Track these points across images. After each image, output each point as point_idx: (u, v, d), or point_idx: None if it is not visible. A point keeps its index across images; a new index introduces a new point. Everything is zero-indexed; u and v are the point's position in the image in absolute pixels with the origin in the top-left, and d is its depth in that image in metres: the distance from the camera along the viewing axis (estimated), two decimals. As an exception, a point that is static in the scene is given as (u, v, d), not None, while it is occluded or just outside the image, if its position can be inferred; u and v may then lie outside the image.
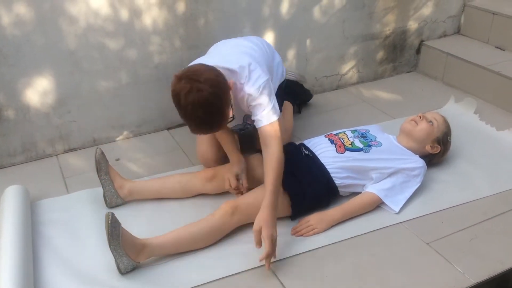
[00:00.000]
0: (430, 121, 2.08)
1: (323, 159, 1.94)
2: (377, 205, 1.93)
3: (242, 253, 1.75)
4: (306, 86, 2.74)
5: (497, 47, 2.98)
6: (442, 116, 2.14)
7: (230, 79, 1.76)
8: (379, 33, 2.94)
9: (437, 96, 2.84)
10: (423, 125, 2.07)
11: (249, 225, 1.83)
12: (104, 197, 1.97)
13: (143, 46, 2.35)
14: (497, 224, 1.86)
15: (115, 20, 2.24)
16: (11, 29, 2.06)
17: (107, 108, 2.39)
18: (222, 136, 2.03)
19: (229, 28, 2.49)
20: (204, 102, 1.60)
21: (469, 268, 1.66)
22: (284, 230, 1.84)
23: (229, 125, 1.98)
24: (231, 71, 1.79)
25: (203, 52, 2.46)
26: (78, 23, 2.17)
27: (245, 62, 1.82)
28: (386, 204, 1.92)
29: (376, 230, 1.85)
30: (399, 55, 3.09)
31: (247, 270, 1.69)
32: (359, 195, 1.94)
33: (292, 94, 2.50)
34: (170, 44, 2.40)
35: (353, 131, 2.08)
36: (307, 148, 2.01)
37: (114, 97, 2.38)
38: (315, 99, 2.84)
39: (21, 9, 2.04)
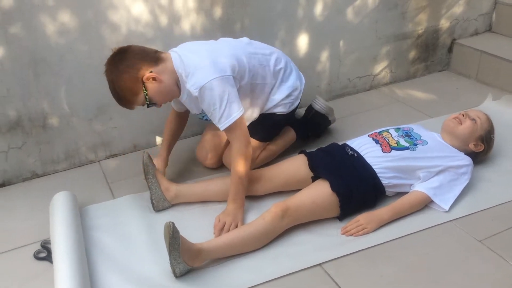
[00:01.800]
0: (473, 119, 2.06)
1: (369, 159, 1.94)
2: (426, 204, 1.92)
3: (293, 253, 1.76)
4: (330, 118, 2.50)
5: (532, 43, 2.95)
6: (485, 114, 2.12)
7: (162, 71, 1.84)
8: (411, 32, 2.93)
9: (472, 94, 2.82)
10: (466, 123, 2.05)
11: (297, 226, 1.84)
12: (151, 200, 1.99)
13: (181, 52, 2.37)
14: (549, 221, 1.84)
15: (155, 26, 2.27)
16: (56, 38, 2.10)
17: (146, 113, 2.41)
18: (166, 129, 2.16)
19: (265, 32, 2.50)
20: (109, 81, 1.82)
21: (525, 265, 1.65)
22: (333, 231, 1.85)
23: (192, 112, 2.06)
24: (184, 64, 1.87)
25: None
26: (119, 30, 2.20)
27: (201, 59, 1.87)
28: (434, 203, 1.91)
29: (426, 229, 1.83)
30: (431, 54, 3.08)
31: (300, 270, 1.69)
32: (407, 194, 1.93)
33: (310, 125, 2.41)
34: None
35: (397, 130, 2.07)
36: (352, 149, 2.01)
37: (154, 102, 2.41)
38: (350, 100, 2.84)
39: (65, 18, 2.08)
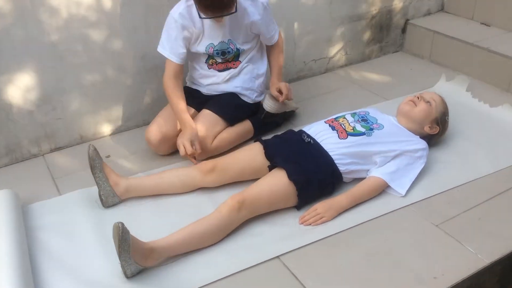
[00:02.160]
0: (428, 102, 2.05)
1: (326, 146, 1.90)
2: (383, 189, 1.90)
3: (250, 246, 1.70)
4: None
5: (483, 23, 2.98)
6: (440, 96, 2.12)
7: None
8: (365, 13, 2.90)
9: (426, 75, 2.83)
10: (421, 106, 2.04)
11: (254, 217, 1.78)
12: (100, 196, 1.88)
13: (128, 37, 2.24)
14: (503, 202, 1.86)
15: (98, 9, 2.12)
16: (-12, 24, 1.93)
17: (93, 103, 2.29)
18: (175, 102, 2.07)
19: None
20: None
21: (481, 248, 1.65)
22: (291, 221, 1.80)
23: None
24: None
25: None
26: (59, 14, 2.05)
27: None
28: (391, 188, 1.90)
29: (384, 214, 1.82)
30: (386, 35, 3.06)
31: (257, 264, 1.63)
32: (365, 180, 1.91)
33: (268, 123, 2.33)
34: (156, 33, 2.30)
35: (353, 115, 2.04)
36: (308, 135, 1.96)
37: (100, 91, 2.28)
38: (306, 83, 2.79)
39: (-2, 2, 1.92)
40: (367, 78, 2.86)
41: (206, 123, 2.12)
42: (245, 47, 2.18)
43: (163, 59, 2.30)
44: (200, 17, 1.97)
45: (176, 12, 2.03)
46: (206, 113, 2.17)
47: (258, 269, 1.62)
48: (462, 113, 2.37)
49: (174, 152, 2.17)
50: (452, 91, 2.57)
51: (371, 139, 1.91)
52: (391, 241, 1.71)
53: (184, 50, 2.09)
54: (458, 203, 1.86)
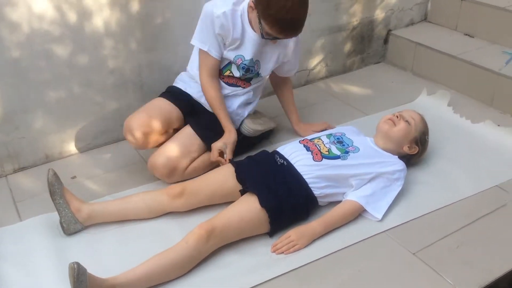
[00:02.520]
0: (407, 121, 1.97)
1: (300, 168, 1.81)
2: (359, 213, 1.82)
3: (219, 279, 1.61)
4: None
5: (466, 34, 2.91)
6: (419, 114, 2.04)
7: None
8: (346, 24, 2.82)
9: (408, 88, 2.75)
10: (400, 125, 1.96)
11: (223, 247, 1.69)
12: (61, 223, 1.78)
13: (95, 51, 2.14)
14: (481, 228, 1.78)
15: (62, 23, 2.02)
16: None
17: (59, 120, 2.19)
18: (218, 107, 2.01)
19: (190, 27, 2.29)
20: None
21: (458, 279, 1.57)
22: (263, 249, 1.72)
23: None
24: None
25: (161, 55, 2.30)
26: (20, 29, 1.94)
27: None
28: (368, 212, 1.82)
29: (360, 241, 1.74)
30: (367, 46, 2.99)
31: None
32: (340, 204, 1.83)
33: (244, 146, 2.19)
34: (125, 47, 2.20)
35: (329, 136, 1.96)
36: (281, 156, 1.88)
37: (66, 108, 2.18)
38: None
39: (-48, 17, 1.81)
40: (347, 90, 2.79)
41: (185, 146, 2.00)
42: (264, 73, 2.11)
43: (133, 74, 2.21)
44: (262, 36, 1.89)
45: (221, 9, 1.91)
46: (188, 133, 2.04)
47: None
48: (443, 130, 2.30)
49: (137, 169, 2.08)
50: (433, 106, 2.50)
51: (346, 162, 1.83)
52: (366, 271, 1.63)
53: (222, 47, 1.98)
54: (437, 228, 1.79)
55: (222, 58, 2.03)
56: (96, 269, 1.49)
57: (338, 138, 1.94)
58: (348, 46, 2.90)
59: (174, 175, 1.98)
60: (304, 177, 1.80)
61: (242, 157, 2.01)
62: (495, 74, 2.48)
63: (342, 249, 1.71)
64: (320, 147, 1.88)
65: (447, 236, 1.75)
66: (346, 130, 2.04)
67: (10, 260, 1.69)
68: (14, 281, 1.61)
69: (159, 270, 1.56)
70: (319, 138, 1.95)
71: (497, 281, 1.58)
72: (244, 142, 2.15)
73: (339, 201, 1.85)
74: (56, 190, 1.75)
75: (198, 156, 2.04)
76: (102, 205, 1.85)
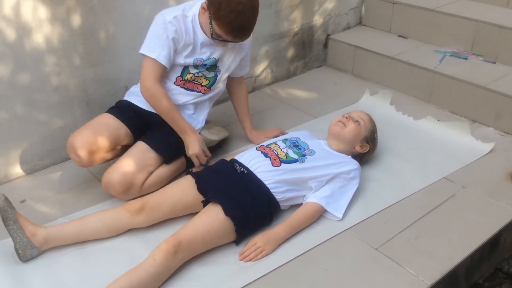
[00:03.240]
0: (357, 121, 2.05)
1: (260, 175, 1.83)
2: (320, 214, 1.87)
3: (188, 284, 1.60)
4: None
5: (400, 36, 3.06)
6: (367, 114, 2.13)
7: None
8: (287, 31, 2.88)
9: (350, 89, 2.85)
10: (350, 126, 2.03)
11: (191, 259, 1.67)
12: (16, 249, 1.69)
13: (37, 68, 2.05)
14: (436, 218, 1.88)
15: (0, 41, 1.92)
16: None
17: (2, 143, 2.07)
18: (170, 108, 1.98)
19: (134, 39, 2.26)
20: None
21: (421, 269, 1.65)
22: (231, 258, 1.71)
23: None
24: None
25: (107, 69, 2.24)
26: (-46, 49, 1.83)
27: None
28: (329, 212, 1.86)
29: (324, 242, 1.78)
30: (308, 51, 3.06)
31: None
32: (302, 207, 1.86)
33: None
34: (68, 62, 2.13)
35: (284, 141, 1.99)
36: (241, 165, 1.89)
37: (9, 129, 2.07)
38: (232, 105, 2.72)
39: None
40: (294, 95, 2.84)
41: (140, 160, 1.95)
42: (225, 75, 2.12)
43: (78, 90, 2.15)
44: (212, 37, 1.91)
45: (172, 15, 1.93)
46: (142, 147, 1.99)
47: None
48: (389, 128, 2.40)
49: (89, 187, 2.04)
50: (377, 105, 2.61)
51: (304, 165, 1.87)
52: (333, 270, 1.67)
53: (172, 55, 1.96)
54: (394, 222, 1.86)
55: (177, 65, 2.01)
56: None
57: (293, 142, 1.98)
58: (291, 52, 2.97)
59: (131, 191, 1.93)
60: (265, 183, 1.81)
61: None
62: (431, 72, 2.63)
63: (308, 250, 1.74)
64: (277, 152, 1.91)
65: (405, 229, 1.83)
66: (300, 134, 2.08)
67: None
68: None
69: None
70: (275, 143, 1.98)
71: (456, 268, 1.67)
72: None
73: (300, 204, 1.89)
74: (9, 216, 1.66)
75: (154, 170, 2.00)
76: (58, 227, 1.77)
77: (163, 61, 1.94)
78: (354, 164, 1.97)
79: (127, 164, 1.93)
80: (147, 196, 1.86)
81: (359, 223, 1.86)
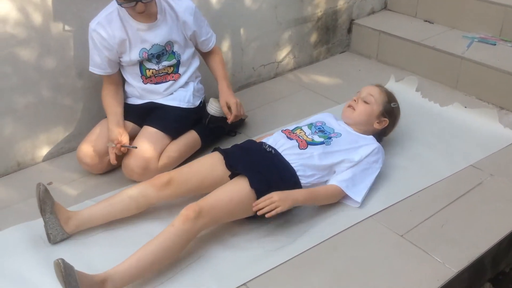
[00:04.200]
0: (365, 101, 1.98)
1: (288, 157, 1.82)
2: (341, 197, 1.84)
3: (215, 274, 1.60)
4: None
5: (426, 20, 3.00)
6: (378, 87, 2.04)
7: None
8: (311, 15, 2.84)
9: (375, 75, 2.81)
10: (360, 108, 1.98)
11: (214, 243, 1.68)
12: (48, 234, 1.71)
13: (62, 54, 2.07)
14: (462, 206, 1.85)
15: (28, 25, 1.94)
16: None
17: (29, 126, 2.10)
18: (107, 104, 2.04)
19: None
20: None
21: (447, 257, 1.63)
22: (254, 243, 1.72)
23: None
24: None
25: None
26: (-18, 33, 1.85)
27: None
28: (348, 197, 1.84)
29: (348, 228, 1.77)
30: (332, 36, 3.03)
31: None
32: (323, 185, 1.85)
33: (214, 129, 2.22)
34: (93, 47, 2.14)
35: (310, 126, 1.97)
36: (269, 146, 1.87)
37: (36, 113, 2.10)
38: (256, 90, 2.71)
39: None
40: (316, 81, 2.82)
41: (151, 143, 1.99)
42: (182, 52, 2.09)
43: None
44: (118, 3, 1.87)
45: (94, 22, 1.95)
46: (149, 131, 2.03)
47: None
48: (414, 115, 2.36)
49: (112, 170, 2.08)
50: (403, 91, 2.55)
51: (330, 148, 1.86)
52: (358, 257, 1.66)
53: (112, 58, 1.98)
54: (420, 210, 1.84)
55: (131, 65, 2.03)
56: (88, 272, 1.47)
57: (319, 128, 1.96)
58: (314, 37, 2.93)
59: (149, 173, 1.94)
60: (292, 165, 1.80)
61: (223, 146, 1.99)
62: (458, 58, 2.57)
63: (332, 236, 1.73)
64: (303, 137, 1.89)
65: (431, 217, 1.81)
66: (325, 117, 2.05)
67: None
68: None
69: (149, 257, 1.53)
70: (300, 128, 1.96)
71: (483, 256, 1.65)
72: (216, 131, 2.21)
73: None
74: (47, 208, 1.68)
75: (165, 147, 2.04)
76: (88, 212, 1.77)
77: (95, 70, 2.01)
78: (376, 147, 1.92)
79: (144, 149, 1.96)
80: (174, 171, 1.86)
81: (383, 209, 1.84)
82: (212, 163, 1.86)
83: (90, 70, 2.02)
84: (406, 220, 1.79)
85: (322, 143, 1.87)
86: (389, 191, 1.93)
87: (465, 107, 2.41)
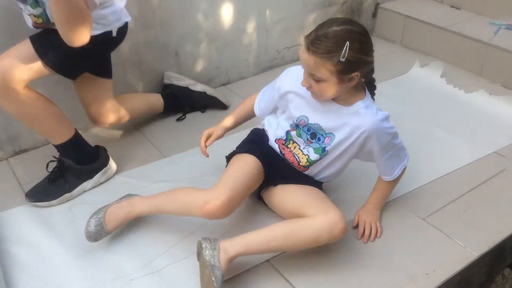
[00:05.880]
0: (317, 79, 1.49)
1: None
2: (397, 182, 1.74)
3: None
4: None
5: (453, 6, 2.97)
6: (306, 51, 1.49)
7: None
8: (336, -2, 2.84)
9: (399, 60, 2.80)
10: (315, 88, 1.52)
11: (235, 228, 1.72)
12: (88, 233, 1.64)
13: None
14: (484, 192, 1.87)
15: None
16: None
17: (56, 101, 2.14)
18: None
19: (186, 4, 2.28)
20: None
21: (469, 241, 1.65)
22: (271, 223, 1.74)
23: None
24: None
25: (158, 33, 2.28)
26: None
27: None
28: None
29: (371, 210, 1.79)
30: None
31: (249, 268, 1.58)
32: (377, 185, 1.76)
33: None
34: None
35: (298, 133, 1.66)
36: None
37: (64, 88, 2.13)
38: (279, 72, 2.68)
39: None
40: (340, 65, 2.81)
41: (17, 54, 1.62)
42: None
43: (132, 53, 2.18)
44: None
45: None
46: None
47: (248, 273, 1.57)
48: (438, 100, 2.37)
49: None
50: (427, 77, 2.57)
51: (330, 157, 1.65)
52: (380, 238, 1.68)
53: None
54: (442, 195, 1.86)
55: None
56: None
57: (309, 133, 1.65)
58: (339, 20, 2.92)
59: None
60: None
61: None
62: (485, 44, 2.56)
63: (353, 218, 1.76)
64: (298, 157, 1.69)
65: (453, 202, 1.82)
66: (302, 107, 1.66)
67: (23, 242, 1.67)
68: (30, 264, 1.60)
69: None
70: (292, 140, 1.69)
71: (504, 241, 1.66)
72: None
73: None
74: (102, 236, 1.65)
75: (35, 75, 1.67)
76: (137, 213, 1.70)
77: None
78: (371, 128, 1.55)
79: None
80: (229, 192, 1.58)
81: (406, 193, 1.86)
82: (256, 175, 1.70)
83: None
84: (428, 204, 1.81)
85: (320, 158, 1.65)
86: (412, 175, 1.93)
87: (490, 94, 2.40)
